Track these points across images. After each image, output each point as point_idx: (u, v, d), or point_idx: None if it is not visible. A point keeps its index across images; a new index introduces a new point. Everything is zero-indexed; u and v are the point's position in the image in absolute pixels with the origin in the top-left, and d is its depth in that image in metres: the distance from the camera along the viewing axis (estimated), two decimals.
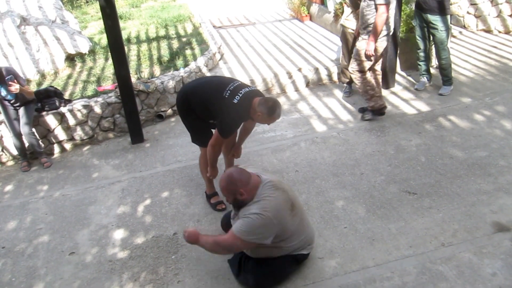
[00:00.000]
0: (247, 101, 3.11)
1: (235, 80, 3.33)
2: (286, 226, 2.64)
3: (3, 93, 4.51)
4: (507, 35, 6.77)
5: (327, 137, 4.55)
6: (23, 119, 4.61)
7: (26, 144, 4.75)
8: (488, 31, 6.95)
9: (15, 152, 4.83)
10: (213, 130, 3.36)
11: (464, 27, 7.22)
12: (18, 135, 4.63)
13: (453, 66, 5.27)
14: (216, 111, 3.21)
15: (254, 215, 2.54)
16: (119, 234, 3.50)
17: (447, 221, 3.17)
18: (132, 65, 6.30)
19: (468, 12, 7.16)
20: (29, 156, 4.87)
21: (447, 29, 4.87)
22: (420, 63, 5.30)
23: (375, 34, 4.29)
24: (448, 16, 4.85)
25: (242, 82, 3.32)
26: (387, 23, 4.32)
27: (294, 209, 2.70)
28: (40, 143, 4.84)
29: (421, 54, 5.22)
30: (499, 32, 6.87)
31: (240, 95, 3.12)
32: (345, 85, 5.50)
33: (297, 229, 2.73)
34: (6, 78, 4.40)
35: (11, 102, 4.58)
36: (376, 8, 4.22)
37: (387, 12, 4.22)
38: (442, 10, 4.75)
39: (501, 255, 2.81)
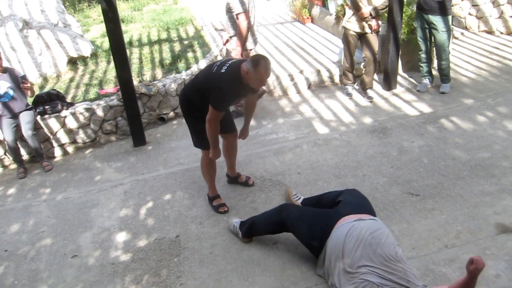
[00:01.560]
0: (235, 67, 3.10)
1: (223, 59, 3.33)
2: None
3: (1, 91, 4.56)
4: (509, 36, 6.76)
5: (329, 139, 4.54)
6: (25, 124, 4.62)
7: (22, 150, 4.76)
8: (490, 32, 6.94)
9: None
10: None
11: (466, 28, 7.22)
12: (13, 141, 4.60)
13: (455, 67, 5.27)
14: (208, 89, 3.13)
15: None
16: (121, 237, 3.50)
17: (450, 223, 3.16)
18: (134, 68, 6.32)
19: (469, 14, 7.15)
20: (28, 159, 4.88)
21: (448, 30, 4.87)
22: (422, 64, 5.30)
23: (240, 39, 4.73)
24: (450, 17, 4.84)
25: (230, 58, 3.33)
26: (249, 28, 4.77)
27: None
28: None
29: (423, 55, 5.21)
30: (501, 33, 6.86)
31: (228, 65, 3.13)
32: (347, 87, 5.51)
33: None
34: (20, 76, 4.64)
35: (7, 112, 4.60)
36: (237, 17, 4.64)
37: (247, 19, 4.63)
38: (443, 10, 4.75)
39: (505, 256, 2.80)
